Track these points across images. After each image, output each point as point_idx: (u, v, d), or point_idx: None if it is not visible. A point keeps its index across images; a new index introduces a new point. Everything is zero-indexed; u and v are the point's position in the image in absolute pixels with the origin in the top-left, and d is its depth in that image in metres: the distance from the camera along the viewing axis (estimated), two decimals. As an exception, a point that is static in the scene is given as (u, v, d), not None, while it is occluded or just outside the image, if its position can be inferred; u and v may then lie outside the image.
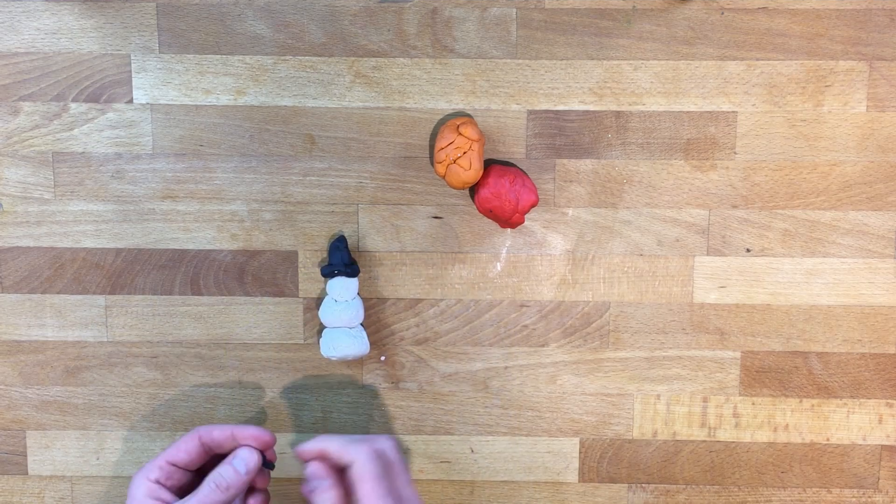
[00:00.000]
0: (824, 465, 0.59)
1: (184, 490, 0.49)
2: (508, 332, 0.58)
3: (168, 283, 0.58)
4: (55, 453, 0.59)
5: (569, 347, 0.58)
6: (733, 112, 0.57)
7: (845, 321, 0.58)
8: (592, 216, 0.57)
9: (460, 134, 0.53)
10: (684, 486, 0.59)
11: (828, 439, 0.59)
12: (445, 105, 0.57)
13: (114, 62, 0.56)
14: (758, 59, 0.56)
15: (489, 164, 0.56)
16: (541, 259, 0.58)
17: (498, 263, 0.58)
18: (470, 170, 0.54)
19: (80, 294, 0.58)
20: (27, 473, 0.60)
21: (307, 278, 0.58)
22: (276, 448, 0.58)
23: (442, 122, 0.57)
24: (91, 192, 0.57)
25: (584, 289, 0.58)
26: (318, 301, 0.58)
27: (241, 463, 0.48)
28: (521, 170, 0.56)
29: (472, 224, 0.58)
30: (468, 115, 0.57)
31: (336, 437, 0.48)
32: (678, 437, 0.59)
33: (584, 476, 0.59)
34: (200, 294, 0.58)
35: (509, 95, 0.56)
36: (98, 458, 0.60)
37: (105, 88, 0.56)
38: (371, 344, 0.58)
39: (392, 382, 0.59)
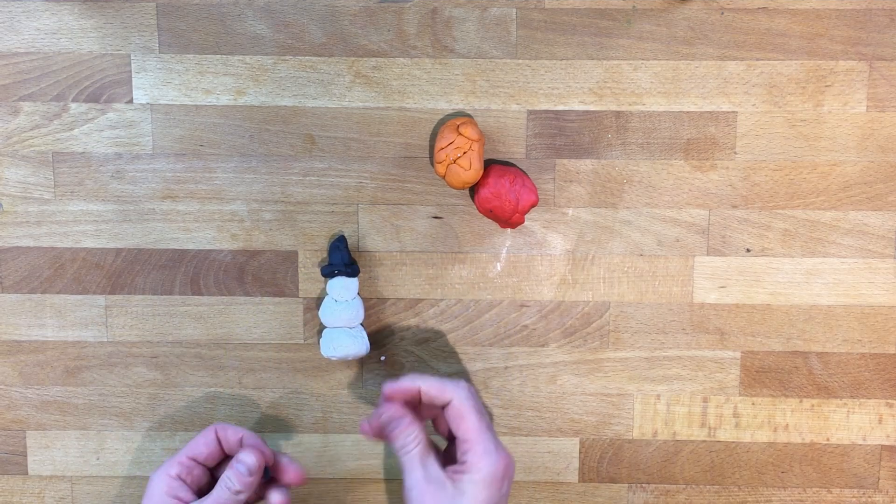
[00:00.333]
0: (824, 465, 0.59)
1: (201, 490, 0.50)
2: (508, 332, 0.58)
3: (168, 283, 0.58)
4: (55, 453, 0.59)
5: (569, 347, 0.58)
6: (733, 112, 0.57)
7: (845, 321, 0.58)
8: (592, 216, 0.57)
9: (460, 134, 0.53)
10: (684, 486, 0.59)
11: (828, 439, 0.59)
12: (445, 105, 0.57)
13: (114, 62, 0.56)
14: (758, 59, 0.56)
15: (489, 164, 0.56)
16: (541, 259, 0.58)
17: (498, 263, 0.58)
18: (470, 170, 0.54)
19: (80, 294, 0.58)
20: (27, 473, 0.60)
21: (307, 278, 0.58)
22: (278, 449, 0.59)
23: (442, 122, 0.57)
24: (91, 192, 0.57)
25: (584, 289, 0.58)
26: (318, 301, 0.58)
27: (243, 466, 0.48)
28: (521, 170, 0.56)
29: (472, 224, 0.58)
30: (468, 115, 0.57)
31: (427, 376, 0.48)
32: (678, 437, 0.59)
33: (584, 476, 0.59)
34: (200, 294, 0.58)
35: (509, 95, 0.56)
36: (98, 458, 0.60)
37: (105, 88, 0.56)
38: (371, 344, 0.58)
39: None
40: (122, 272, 0.58)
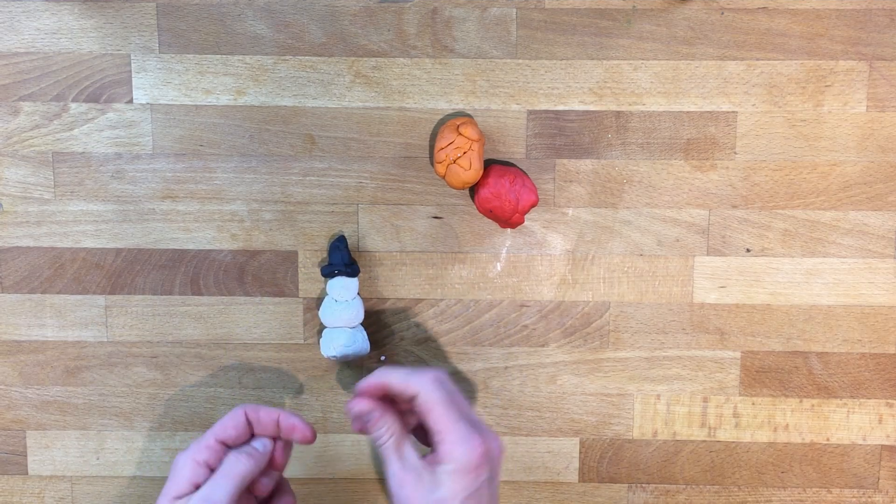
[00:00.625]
0: (824, 465, 0.59)
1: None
2: (508, 332, 0.58)
3: (168, 283, 0.58)
4: (55, 453, 0.59)
5: (569, 347, 0.58)
6: (733, 112, 0.57)
7: (845, 321, 0.58)
8: (592, 216, 0.57)
9: (460, 134, 0.53)
10: (684, 486, 0.59)
11: (828, 439, 0.59)
12: (445, 105, 0.57)
13: (114, 62, 0.56)
14: (758, 59, 0.56)
15: (489, 164, 0.56)
16: (541, 259, 0.58)
17: (498, 263, 0.58)
18: (470, 170, 0.54)
19: (80, 294, 0.58)
20: (27, 473, 0.60)
21: (307, 278, 0.58)
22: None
23: (442, 122, 0.57)
24: (91, 192, 0.57)
25: (584, 289, 0.58)
26: (318, 301, 0.58)
27: (260, 443, 0.47)
28: (521, 170, 0.56)
29: (472, 224, 0.58)
30: (468, 115, 0.57)
31: (396, 369, 0.47)
32: (678, 437, 0.59)
33: (584, 476, 0.59)
34: (200, 294, 0.58)
35: (509, 95, 0.56)
36: (98, 458, 0.60)
37: (105, 88, 0.56)
38: (371, 344, 0.58)
39: (392, 382, 0.59)
40: (122, 272, 0.58)
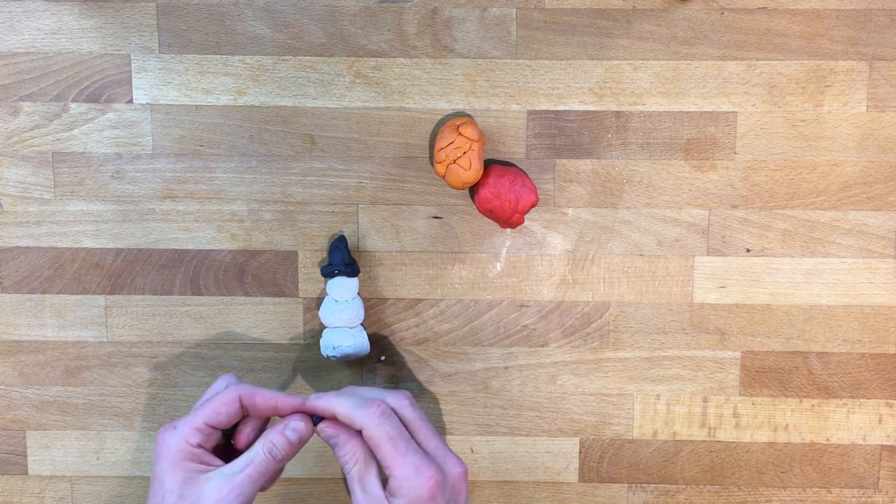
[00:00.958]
0: (824, 465, 0.59)
1: (215, 449, 0.47)
2: (508, 332, 0.58)
3: (168, 283, 0.58)
4: (55, 453, 0.59)
5: (569, 347, 0.58)
6: (733, 112, 0.57)
7: (845, 321, 0.58)
8: (592, 216, 0.57)
9: (460, 134, 0.53)
10: (684, 486, 0.59)
11: (828, 439, 0.59)
12: (445, 105, 0.57)
13: (114, 62, 0.56)
14: (758, 59, 0.56)
15: (489, 164, 0.56)
16: (541, 259, 0.58)
17: (498, 263, 0.58)
18: (470, 170, 0.54)
19: (80, 294, 0.58)
20: (27, 473, 0.60)
21: (307, 278, 0.58)
22: None
23: (442, 122, 0.57)
24: (91, 192, 0.57)
25: (584, 289, 0.58)
26: (318, 301, 0.58)
27: (294, 434, 0.46)
28: (521, 170, 0.56)
29: (472, 224, 0.58)
30: (468, 115, 0.57)
31: (346, 396, 0.46)
32: (678, 437, 0.59)
33: (584, 476, 0.59)
34: (200, 294, 0.58)
35: (509, 95, 0.56)
36: (98, 458, 0.60)
37: (105, 88, 0.56)
38: (371, 344, 0.58)
39: (392, 382, 0.59)
40: (122, 272, 0.58)
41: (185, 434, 0.45)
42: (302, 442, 0.46)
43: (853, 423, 0.59)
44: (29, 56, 0.56)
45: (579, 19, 0.56)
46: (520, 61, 0.56)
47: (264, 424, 0.49)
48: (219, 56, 0.56)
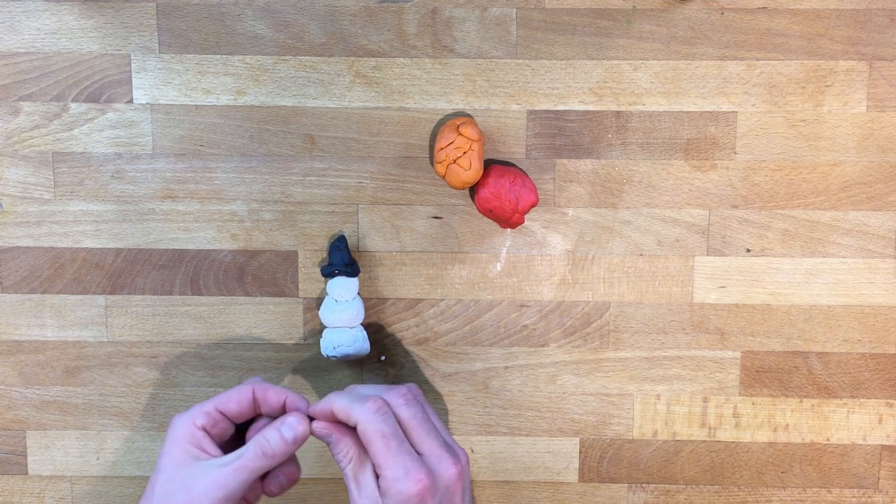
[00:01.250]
0: (824, 465, 0.59)
1: (224, 443, 0.47)
2: (508, 332, 0.58)
3: (168, 283, 0.58)
4: (55, 453, 0.59)
5: (569, 347, 0.58)
6: (733, 112, 0.57)
7: (845, 321, 0.58)
8: (592, 216, 0.57)
9: (460, 134, 0.54)
10: (684, 486, 0.59)
11: (828, 439, 0.59)
12: (445, 105, 0.57)
13: (114, 62, 0.56)
14: (758, 59, 0.56)
15: (489, 164, 0.56)
16: (541, 259, 0.58)
17: (498, 263, 0.58)
18: (470, 170, 0.54)
19: (80, 294, 0.58)
20: (27, 473, 0.60)
21: (307, 278, 0.58)
22: None
23: (442, 122, 0.57)
24: (91, 192, 0.57)
25: (584, 289, 0.58)
26: (318, 301, 0.58)
27: (290, 431, 0.45)
28: (521, 170, 0.56)
29: (472, 224, 0.58)
30: (468, 115, 0.57)
31: (346, 394, 0.46)
32: (678, 437, 0.59)
33: (584, 476, 0.59)
34: (200, 294, 0.58)
35: (509, 95, 0.56)
36: (98, 458, 0.60)
37: (105, 88, 0.56)
38: (371, 344, 0.58)
39: (392, 383, 0.59)
40: (122, 272, 0.58)
41: (193, 416, 0.45)
42: (297, 441, 0.46)
43: (853, 423, 0.59)
44: (29, 56, 0.56)
45: (579, 19, 0.56)
46: (520, 61, 0.56)
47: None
48: (219, 56, 0.56)
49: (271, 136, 0.57)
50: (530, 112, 0.57)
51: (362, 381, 0.59)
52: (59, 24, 0.56)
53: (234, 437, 0.48)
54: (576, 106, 0.57)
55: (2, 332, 0.58)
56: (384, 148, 0.57)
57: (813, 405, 0.59)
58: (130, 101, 0.57)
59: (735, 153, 0.57)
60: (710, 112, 0.56)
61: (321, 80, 0.56)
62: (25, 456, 0.59)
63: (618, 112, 0.56)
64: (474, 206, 0.57)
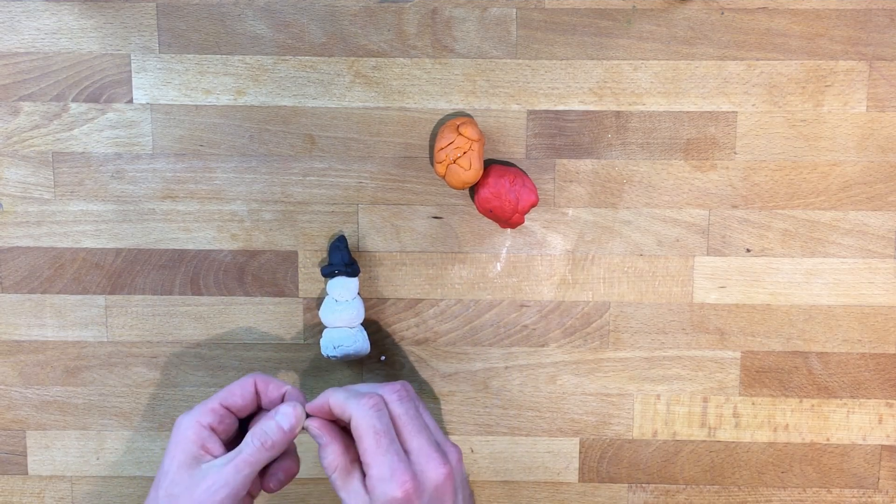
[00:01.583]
0: (824, 465, 0.59)
1: (229, 440, 0.47)
2: (508, 332, 0.58)
3: (168, 283, 0.58)
4: (55, 453, 0.59)
5: (569, 347, 0.58)
6: (733, 112, 0.57)
7: (845, 321, 0.58)
8: (592, 216, 0.57)
9: (460, 134, 0.54)
10: (684, 486, 0.60)
11: (828, 439, 0.59)
12: (445, 105, 0.57)
13: (114, 62, 0.56)
14: (758, 59, 0.56)
15: (489, 164, 0.56)
16: (541, 259, 0.58)
17: (498, 263, 0.58)
18: (470, 170, 0.54)
19: (80, 294, 0.58)
20: (27, 473, 0.60)
21: (307, 278, 0.58)
22: None
23: (442, 122, 0.57)
24: (91, 192, 0.57)
25: (584, 289, 0.58)
26: (318, 301, 0.58)
27: (285, 419, 0.45)
28: (521, 170, 0.56)
29: (472, 224, 0.58)
30: (468, 115, 0.57)
31: (342, 390, 0.45)
32: (678, 437, 0.59)
33: (584, 476, 0.59)
34: (200, 294, 0.58)
35: (509, 95, 0.56)
36: (98, 458, 0.60)
37: (105, 88, 0.56)
38: (371, 344, 0.58)
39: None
40: (122, 272, 0.58)
41: (198, 415, 0.45)
42: (293, 428, 0.45)
43: (853, 423, 0.59)
44: (29, 56, 0.56)
45: (579, 19, 0.56)
46: (520, 61, 0.56)
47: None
48: (219, 56, 0.56)
49: (271, 136, 0.57)
50: (530, 112, 0.57)
51: (362, 381, 0.59)
52: (59, 24, 0.56)
53: (238, 433, 0.48)
54: (576, 106, 0.57)
55: (2, 332, 0.58)
56: (384, 148, 0.57)
57: (813, 405, 0.59)
58: (130, 101, 0.57)
59: (735, 153, 0.57)
60: (710, 112, 0.57)
61: (321, 80, 0.56)
62: (25, 456, 0.59)
63: (618, 112, 0.56)
64: (474, 206, 0.57)
